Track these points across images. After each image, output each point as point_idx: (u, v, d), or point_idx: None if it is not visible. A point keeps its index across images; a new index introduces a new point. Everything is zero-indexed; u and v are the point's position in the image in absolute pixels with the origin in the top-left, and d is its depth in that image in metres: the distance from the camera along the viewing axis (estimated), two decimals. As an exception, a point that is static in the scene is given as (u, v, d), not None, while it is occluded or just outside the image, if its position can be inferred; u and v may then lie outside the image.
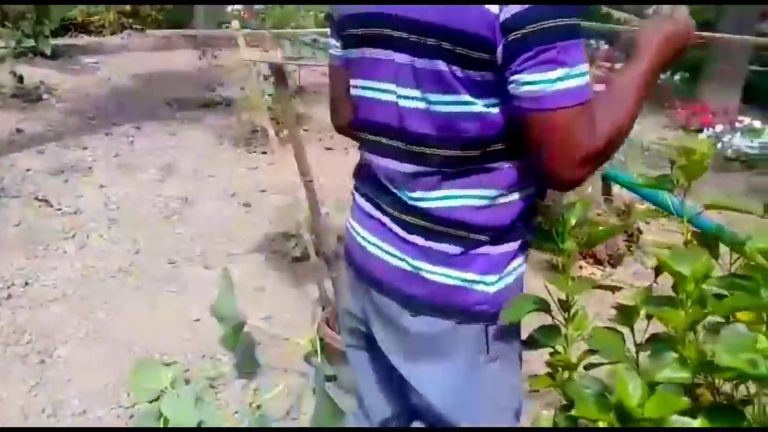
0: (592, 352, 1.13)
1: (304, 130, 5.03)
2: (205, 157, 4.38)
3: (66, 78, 5.62)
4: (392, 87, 1.04)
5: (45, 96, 5.15)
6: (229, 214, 3.63)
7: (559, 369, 1.19)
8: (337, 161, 4.47)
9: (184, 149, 4.48)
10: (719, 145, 5.41)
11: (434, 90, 1.00)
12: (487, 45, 0.93)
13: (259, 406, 2.22)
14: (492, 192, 1.06)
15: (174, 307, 2.79)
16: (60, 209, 3.49)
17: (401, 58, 1.02)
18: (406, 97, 1.03)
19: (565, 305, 1.20)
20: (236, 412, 2.26)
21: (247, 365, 2.44)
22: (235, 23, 2.16)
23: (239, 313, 2.22)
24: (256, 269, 3.09)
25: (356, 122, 1.16)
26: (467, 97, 0.98)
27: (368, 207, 1.20)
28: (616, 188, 3.78)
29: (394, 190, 1.11)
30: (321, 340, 2.18)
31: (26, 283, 2.83)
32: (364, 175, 1.21)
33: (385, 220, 1.14)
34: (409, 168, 1.07)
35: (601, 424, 0.97)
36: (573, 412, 1.01)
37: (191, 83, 5.72)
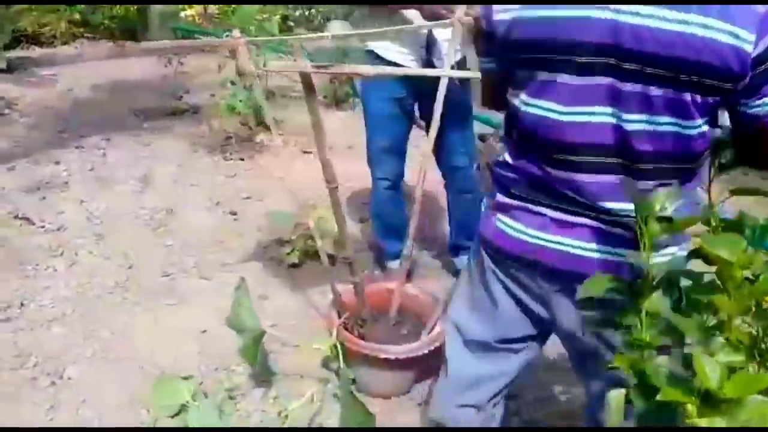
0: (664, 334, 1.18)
1: (280, 134, 4.99)
2: (182, 166, 4.32)
3: (25, 91, 5.46)
4: (608, 110, 1.20)
5: (6, 111, 5.00)
6: (217, 223, 3.59)
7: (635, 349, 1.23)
8: (318, 164, 4.46)
9: (159, 159, 4.40)
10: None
11: (667, 114, 1.17)
12: (736, 77, 1.12)
13: (284, 415, 2.21)
14: (687, 196, 1.24)
15: (177, 320, 2.75)
16: (43, 227, 3.40)
17: (628, 86, 1.17)
18: (632, 121, 1.19)
19: (636, 288, 1.23)
20: (261, 422, 2.26)
21: (264, 374, 2.45)
22: (236, 32, 2.14)
23: (259, 324, 2.22)
24: (255, 278, 3.06)
25: (531, 136, 1.30)
26: (699, 120, 1.17)
27: (538, 208, 1.34)
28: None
29: (588, 201, 1.27)
30: (342, 344, 2.19)
31: (22, 305, 2.76)
32: (522, 180, 1.35)
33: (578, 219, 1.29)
34: (614, 179, 1.24)
35: (689, 408, 1.03)
36: (659, 396, 1.06)
37: (155, 92, 5.60)
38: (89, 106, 5.35)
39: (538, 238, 1.33)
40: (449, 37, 2.52)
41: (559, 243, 1.32)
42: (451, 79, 2.58)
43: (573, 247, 1.31)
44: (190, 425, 2.07)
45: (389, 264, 3.02)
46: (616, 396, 1.22)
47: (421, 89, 2.60)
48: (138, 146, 4.59)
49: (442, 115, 2.33)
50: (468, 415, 1.60)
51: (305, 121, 5.37)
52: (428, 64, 2.59)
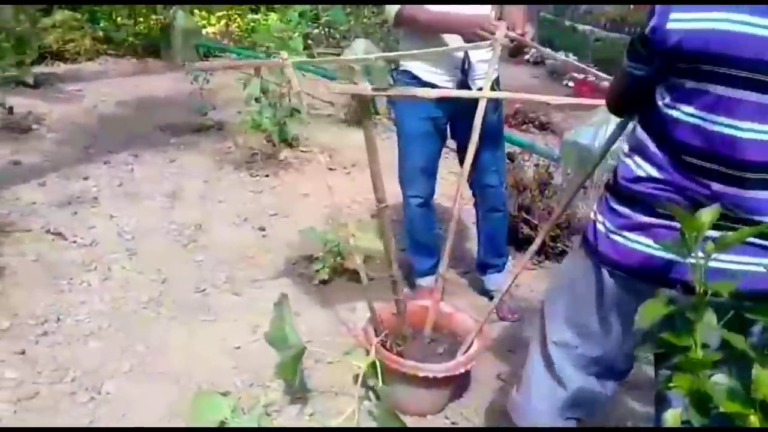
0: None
1: (302, 151, 5.05)
2: (209, 182, 4.36)
3: (52, 107, 5.53)
4: (755, 126, 1.28)
5: (35, 126, 5.07)
6: (246, 240, 3.62)
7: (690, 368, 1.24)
8: (341, 181, 4.51)
9: (186, 175, 4.46)
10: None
11: None
12: None
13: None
14: None
15: (211, 335, 2.78)
16: (75, 241, 3.45)
17: None
18: None
19: (693, 308, 1.24)
20: (299, 438, 2.27)
21: (300, 390, 2.46)
22: (284, 53, 2.19)
23: (300, 339, 2.24)
24: (287, 294, 3.09)
25: (700, 151, 1.34)
26: None
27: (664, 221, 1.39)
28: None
29: (747, 216, 1.34)
30: (380, 362, 2.21)
31: (58, 319, 2.80)
32: (673, 195, 1.39)
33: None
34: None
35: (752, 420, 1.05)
36: (721, 409, 1.08)
37: (180, 108, 5.67)
38: (115, 122, 5.42)
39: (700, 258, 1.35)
40: (485, 57, 2.57)
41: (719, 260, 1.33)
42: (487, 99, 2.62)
43: (726, 262, 1.34)
44: (231, 441, 2.09)
45: (419, 281, 3.03)
46: (672, 415, 1.24)
47: (456, 110, 2.64)
48: (165, 162, 4.65)
49: (463, 136, 2.35)
50: (571, 423, 1.73)
51: (328, 139, 5.45)
52: (463, 85, 2.62)
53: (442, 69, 2.61)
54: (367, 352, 2.31)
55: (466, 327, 2.44)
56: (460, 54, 2.57)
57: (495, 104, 2.78)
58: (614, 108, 1.62)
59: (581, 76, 7.56)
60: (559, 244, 3.43)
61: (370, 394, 2.30)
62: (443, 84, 2.61)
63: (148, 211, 3.86)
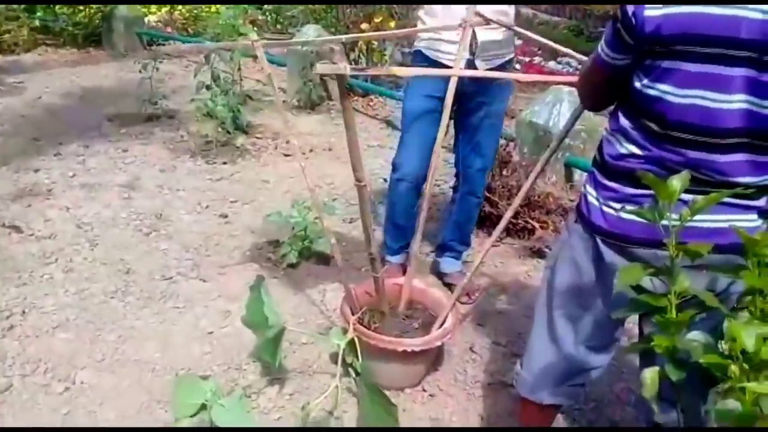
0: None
1: (257, 137, 5.02)
2: (165, 171, 4.31)
3: (-6, 100, 5.36)
4: (745, 97, 1.36)
5: (-23, 120, 4.91)
6: (209, 227, 3.60)
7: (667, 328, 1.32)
8: (299, 166, 4.49)
9: (141, 165, 4.39)
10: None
11: None
12: None
13: (306, 410, 2.24)
14: None
15: (183, 322, 2.77)
16: (32, 234, 3.37)
17: (765, 76, 1.34)
18: (765, 107, 1.36)
19: (667, 270, 1.32)
20: (280, 418, 2.30)
21: (277, 371, 2.48)
22: (253, 34, 2.19)
23: (280, 319, 2.26)
24: (253, 279, 3.09)
25: (677, 124, 1.43)
26: None
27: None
28: (577, 174, 4.01)
29: (721, 179, 1.44)
30: (358, 339, 2.24)
31: (23, 312, 2.74)
32: (654, 168, 1.46)
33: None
34: (742, 156, 1.42)
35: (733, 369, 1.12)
36: (702, 360, 1.15)
37: (128, 97, 5.53)
38: (62, 114, 5.29)
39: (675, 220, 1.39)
40: (496, 37, 2.59)
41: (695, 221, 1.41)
42: (499, 82, 2.65)
43: (707, 221, 1.44)
44: (216, 424, 2.09)
45: (389, 258, 3.06)
46: (650, 373, 1.31)
47: (462, 89, 2.57)
48: (117, 153, 4.56)
49: (477, 117, 2.36)
50: (577, 390, 1.85)
51: (281, 125, 5.42)
52: (470, 64, 2.61)
53: (453, 48, 2.56)
54: (345, 331, 2.34)
55: (439, 302, 2.49)
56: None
57: (506, 89, 2.81)
58: (593, 103, 1.72)
59: (527, 59, 7.71)
60: (519, 221, 3.52)
61: (350, 370, 2.33)
62: (452, 64, 2.55)
63: (106, 202, 3.79)
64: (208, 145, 4.73)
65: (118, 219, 3.61)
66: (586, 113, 4.14)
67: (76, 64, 6.87)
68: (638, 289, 1.57)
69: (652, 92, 1.44)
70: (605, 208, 1.58)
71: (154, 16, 8.50)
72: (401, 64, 6.23)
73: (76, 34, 7.46)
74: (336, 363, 2.49)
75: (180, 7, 8.86)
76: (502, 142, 3.93)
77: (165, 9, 8.74)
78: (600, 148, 1.63)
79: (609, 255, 1.60)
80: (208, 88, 4.84)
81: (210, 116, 4.78)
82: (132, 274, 3.08)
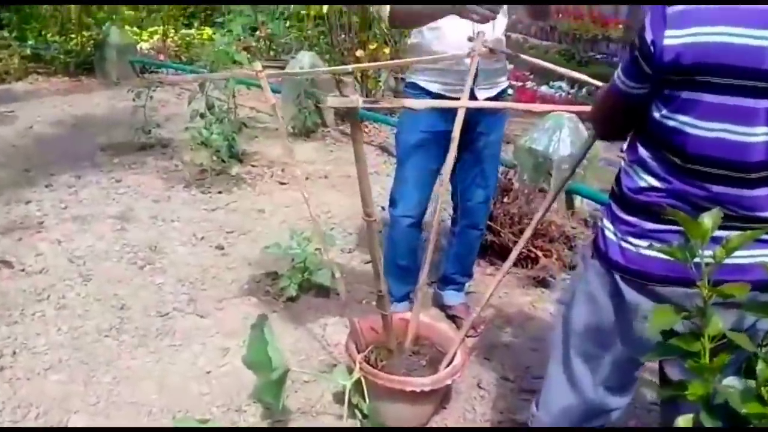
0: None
1: (252, 166, 4.96)
2: (160, 201, 4.23)
3: (-17, 130, 5.28)
4: (750, 129, 1.31)
5: (-33, 150, 4.83)
6: (205, 259, 3.51)
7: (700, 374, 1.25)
8: (297, 195, 4.43)
9: (134, 195, 4.31)
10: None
11: None
12: None
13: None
14: None
15: (180, 360, 2.67)
16: (23, 269, 3.28)
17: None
18: None
19: (700, 311, 1.25)
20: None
21: (280, 412, 2.38)
22: (257, 64, 2.13)
23: (284, 361, 2.17)
24: (253, 313, 3.00)
25: (698, 157, 1.37)
26: None
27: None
28: (577, 201, 3.96)
29: (748, 213, 1.38)
30: (365, 379, 2.16)
31: (14, 353, 2.64)
32: (678, 202, 1.41)
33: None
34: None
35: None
36: (743, 411, 1.08)
37: (121, 126, 5.47)
38: (54, 143, 5.22)
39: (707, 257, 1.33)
40: (494, 66, 2.53)
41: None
42: (496, 112, 2.59)
43: (735, 257, 1.33)
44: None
45: (393, 306, 2.90)
46: (684, 421, 1.24)
47: (464, 121, 2.46)
48: (110, 183, 4.48)
49: (477, 148, 2.29)
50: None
51: (278, 152, 5.37)
52: (472, 94, 2.50)
53: (449, 79, 2.51)
54: (350, 369, 2.26)
55: (446, 337, 2.41)
56: (467, 62, 2.48)
57: (503, 117, 2.74)
58: (608, 133, 1.67)
59: (519, 83, 7.70)
60: (523, 250, 3.43)
61: (356, 411, 2.24)
62: (450, 95, 2.51)
63: (99, 235, 3.70)
64: (202, 174, 4.66)
65: (111, 252, 3.52)
66: (582, 136, 4.10)
67: (67, 93, 6.81)
68: (667, 331, 1.52)
69: (671, 123, 1.38)
70: (623, 244, 1.51)
71: (147, 43, 8.48)
72: (395, 92, 6.20)
73: (68, 62, 7.41)
74: (339, 403, 2.42)
75: (172, 34, 8.85)
76: (503, 169, 3.88)
77: (157, 36, 8.73)
78: (618, 180, 1.57)
79: (628, 292, 1.53)
80: (202, 116, 4.78)
81: (205, 145, 4.71)
82: (126, 310, 2.99)
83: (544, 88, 7.75)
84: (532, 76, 7.97)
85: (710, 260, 1.20)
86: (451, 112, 2.37)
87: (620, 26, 11.61)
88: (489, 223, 3.50)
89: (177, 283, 3.25)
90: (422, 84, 2.57)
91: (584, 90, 7.59)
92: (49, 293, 3.08)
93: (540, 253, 3.45)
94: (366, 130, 5.93)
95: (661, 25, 1.34)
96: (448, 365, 2.26)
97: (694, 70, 1.32)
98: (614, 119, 1.57)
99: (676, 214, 1.26)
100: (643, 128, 1.48)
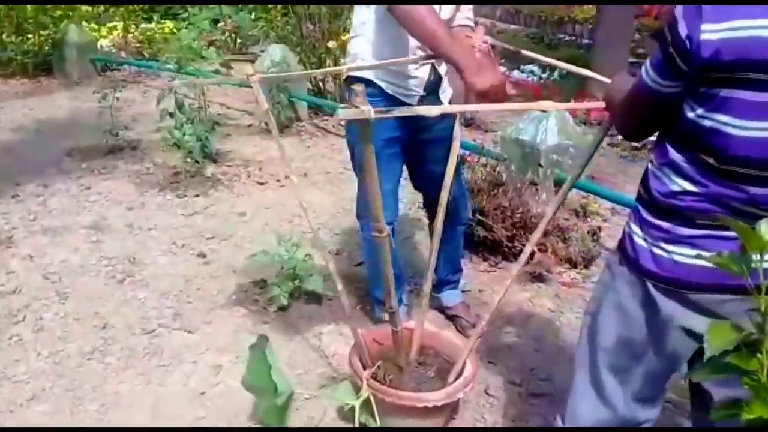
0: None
1: (227, 166, 4.79)
2: (134, 208, 4.05)
3: (-60, 138, 5.03)
4: None
5: (-77, 161, 4.58)
6: (187, 269, 3.36)
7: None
8: (276, 195, 4.30)
9: (107, 203, 4.12)
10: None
11: None
12: None
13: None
14: None
15: (171, 382, 2.53)
16: (-5, 290, 3.10)
17: None
18: None
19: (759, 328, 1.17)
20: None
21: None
22: (249, 68, 1.99)
23: (288, 384, 2.05)
24: (244, 325, 2.88)
25: (737, 158, 1.29)
26: None
27: (727, 232, 1.32)
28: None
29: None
30: (374, 396, 2.06)
31: (-7, 384, 2.48)
32: (715, 207, 1.34)
33: None
34: None
35: None
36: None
37: (86, 129, 5.23)
38: (17, 150, 4.98)
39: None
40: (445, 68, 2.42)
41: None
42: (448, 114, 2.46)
43: None
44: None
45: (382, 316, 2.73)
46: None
47: (418, 127, 2.42)
48: (80, 190, 4.29)
49: (442, 147, 2.20)
50: None
51: (252, 150, 5.20)
52: (437, 100, 2.44)
53: (410, 83, 2.37)
54: (355, 386, 2.15)
55: (452, 346, 2.32)
56: (427, 67, 2.38)
57: (452, 119, 2.62)
58: (634, 133, 1.56)
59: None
60: (516, 244, 3.36)
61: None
62: (410, 101, 2.38)
63: (72, 247, 3.52)
64: (176, 177, 4.49)
65: (87, 266, 3.35)
66: (569, 125, 4.03)
67: (27, 95, 6.54)
68: (696, 337, 1.44)
69: (708, 123, 1.29)
70: (655, 250, 1.43)
71: (107, 39, 8.19)
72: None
73: (26, 62, 7.11)
74: (345, 420, 2.31)
75: (132, 29, 8.57)
76: (492, 162, 3.79)
77: (116, 32, 8.43)
78: (645, 183, 1.47)
79: (662, 300, 1.44)
80: (171, 115, 4.59)
81: (177, 146, 4.53)
82: (109, 329, 2.83)
83: (516, 73, 7.67)
84: (503, 61, 7.89)
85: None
86: (409, 118, 2.17)
87: (584, 7, 11.61)
88: (480, 218, 3.41)
89: (160, 296, 3.09)
90: (385, 87, 2.36)
91: (555, 73, 7.55)
92: (24, 314, 2.91)
93: (535, 248, 3.36)
94: (342, 124, 5.78)
95: (697, 18, 1.24)
96: (458, 376, 2.16)
97: (735, 67, 1.23)
98: (642, 118, 1.47)
99: (735, 225, 1.18)
100: (673, 129, 1.39)
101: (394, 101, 2.36)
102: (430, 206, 2.71)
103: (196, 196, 4.24)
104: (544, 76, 7.65)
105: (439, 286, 2.94)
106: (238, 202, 4.19)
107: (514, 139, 3.88)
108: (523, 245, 3.34)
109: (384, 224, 1.71)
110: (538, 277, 3.29)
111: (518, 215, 3.39)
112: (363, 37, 2.36)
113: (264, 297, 3.06)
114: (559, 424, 1.75)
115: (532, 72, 7.71)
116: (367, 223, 2.55)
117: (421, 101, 2.39)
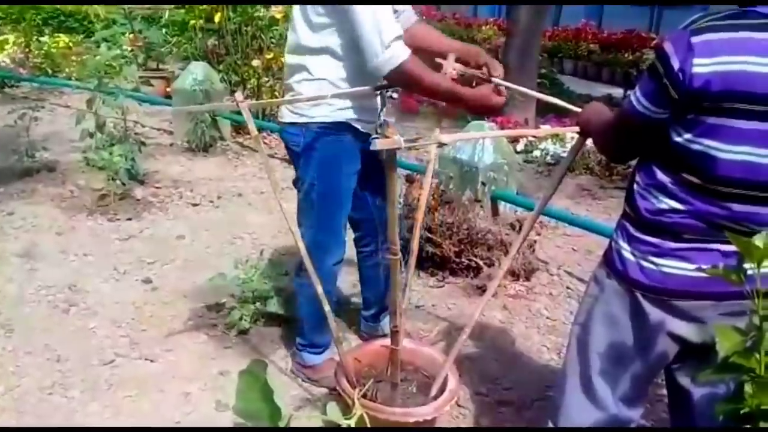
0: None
1: (156, 187, 4.68)
2: (64, 233, 3.89)
3: None
4: None
5: None
6: (134, 295, 3.26)
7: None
8: (213, 216, 4.25)
9: (33, 229, 3.94)
10: (537, 153, 6.02)
11: None
12: None
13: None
14: None
15: (141, 413, 2.47)
16: (-71, 328, 2.90)
17: None
18: None
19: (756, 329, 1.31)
20: None
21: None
22: (239, 95, 2.00)
23: (285, 409, 2.05)
24: (206, 352, 2.84)
25: (722, 178, 1.44)
26: None
27: (712, 245, 1.49)
28: (501, 206, 4.05)
29: (751, 225, 1.44)
30: (366, 415, 2.10)
31: (-52, 427, 2.33)
32: (698, 223, 1.49)
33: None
34: None
35: None
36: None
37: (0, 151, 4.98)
38: None
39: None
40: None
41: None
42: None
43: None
44: None
45: (316, 360, 2.69)
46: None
47: (370, 160, 2.36)
48: (2, 216, 4.08)
49: (380, 175, 2.04)
50: None
51: (179, 170, 5.10)
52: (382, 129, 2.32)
53: (367, 112, 2.33)
54: (340, 404, 2.18)
55: (431, 361, 2.40)
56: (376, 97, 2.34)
57: None
58: (620, 156, 1.75)
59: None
60: (463, 259, 3.50)
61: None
62: (366, 129, 2.34)
63: (7, 277, 3.35)
64: (104, 200, 4.34)
65: (26, 296, 3.19)
66: (503, 144, 4.22)
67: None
68: (680, 341, 1.61)
69: (696, 147, 1.45)
70: (644, 263, 1.57)
71: (2, 54, 7.75)
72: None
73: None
74: (328, 439, 2.33)
75: (27, 44, 8.16)
76: (435, 180, 3.91)
77: (9, 47, 7.98)
78: (631, 203, 1.62)
79: (650, 309, 1.59)
80: (91, 135, 4.45)
81: (99, 167, 4.36)
82: (64, 361, 2.72)
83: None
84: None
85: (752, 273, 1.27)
86: (366, 152, 2.22)
87: (484, 27, 12.04)
88: (429, 235, 3.52)
89: (112, 325, 3.00)
90: (355, 124, 2.32)
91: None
92: (-32, 353, 2.75)
93: (480, 262, 3.51)
94: (266, 141, 5.75)
95: (689, 53, 1.40)
96: (441, 390, 2.24)
97: (723, 97, 1.39)
98: (630, 143, 1.63)
99: (736, 239, 1.32)
100: (660, 152, 1.54)
101: (364, 136, 2.34)
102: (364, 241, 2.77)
103: (129, 219, 4.13)
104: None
105: (376, 317, 2.93)
106: (175, 225, 4.11)
107: (451, 158, 4.02)
108: (469, 260, 3.50)
109: (398, 248, 1.76)
110: (485, 290, 3.42)
111: (464, 231, 3.52)
112: (327, 60, 2.26)
113: (222, 321, 3.02)
114: (550, 425, 1.86)
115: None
116: (324, 260, 2.46)
117: (375, 129, 2.35)
